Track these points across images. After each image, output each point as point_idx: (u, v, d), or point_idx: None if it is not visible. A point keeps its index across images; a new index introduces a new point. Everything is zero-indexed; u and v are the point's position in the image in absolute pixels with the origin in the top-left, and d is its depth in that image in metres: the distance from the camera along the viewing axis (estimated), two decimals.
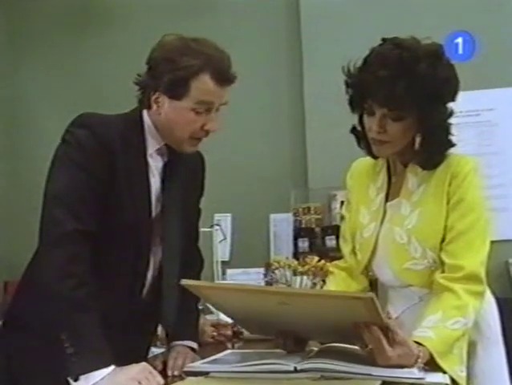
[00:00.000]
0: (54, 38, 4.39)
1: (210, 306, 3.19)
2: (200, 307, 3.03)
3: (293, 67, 3.99)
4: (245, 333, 2.37)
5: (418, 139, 1.78)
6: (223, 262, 3.71)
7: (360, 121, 1.87)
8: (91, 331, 1.53)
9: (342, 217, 2.08)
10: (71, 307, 1.54)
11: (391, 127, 1.75)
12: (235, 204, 3.96)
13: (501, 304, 1.97)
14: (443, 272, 1.75)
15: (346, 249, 2.02)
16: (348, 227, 2.00)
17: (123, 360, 1.54)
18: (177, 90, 1.68)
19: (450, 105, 1.78)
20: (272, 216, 3.90)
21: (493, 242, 1.78)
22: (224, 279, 3.54)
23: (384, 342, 1.49)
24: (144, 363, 1.56)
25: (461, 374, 1.64)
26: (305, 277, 2.57)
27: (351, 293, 1.39)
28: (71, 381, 1.50)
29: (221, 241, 3.69)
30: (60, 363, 1.50)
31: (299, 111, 3.92)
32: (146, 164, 1.75)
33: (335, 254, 2.81)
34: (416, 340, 1.59)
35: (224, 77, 1.71)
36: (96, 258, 1.62)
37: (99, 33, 4.27)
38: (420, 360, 1.54)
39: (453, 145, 1.81)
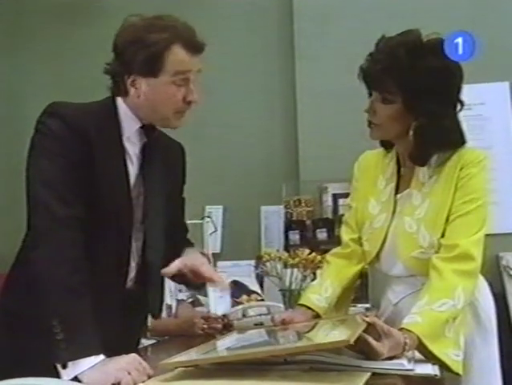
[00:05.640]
0: (51, 30, 4.36)
1: (201, 298, 3.21)
2: (190, 300, 3.05)
3: (285, 60, 3.98)
4: (235, 325, 2.38)
5: (411, 132, 1.82)
6: (214, 254, 3.70)
7: None
8: (83, 318, 1.52)
9: (349, 206, 2.10)
10: (64, 293, 1.53)
11: (380, 109, 1.83)
12: (226, 196, 3.95)
13: None
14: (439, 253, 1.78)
15: (348, 236, 2.03)
16: (355, 216, 2.01)
17: (110, 351, 1.53)
18: (153, 67, 1.69)
19: (450, 110, 1.83)
20: (263, 208, 3.89)
21: (484, 236, 1.80)
22: (215, 271, 3.53)
23: (371, 340, 1.49)
24: (133, 354, 1.55)
25: (455, 358, 1.64)
26: (295, 270, 2.58)
27: (331, 342, 1.43)
28: (59, 368, 1.49)
29: (211, 233, 3.68)
30: (50, 351, 1.50)
31: (291, 104, 3.91)
32: (122, 148, 1.75)
33: (326, 247, 2.82)
34: (404, 326, 1.61)
35: (195, 45, 1.73)
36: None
37: (96, 26, 4.23)
38: (407, 347, 1.55)
39: (453, 147, 1.85)
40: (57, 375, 1.49)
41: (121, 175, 1.73)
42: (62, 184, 1.61)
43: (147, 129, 1.78)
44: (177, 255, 1.83)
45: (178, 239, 1.94)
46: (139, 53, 1.68)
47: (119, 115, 1.76)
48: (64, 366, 1.49)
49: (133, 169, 1.77)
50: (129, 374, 1.47)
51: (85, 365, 1.48)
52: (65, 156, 1.63)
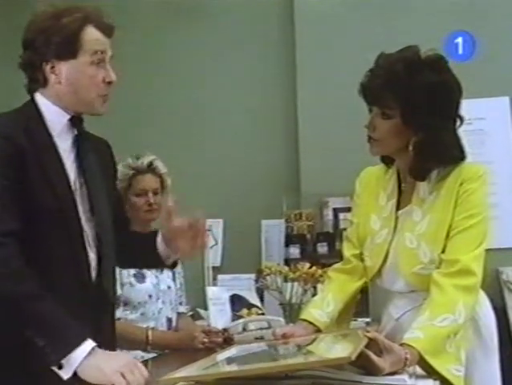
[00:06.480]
0: None
1: (201, 312, 3.20)
2: (190, 313, 3.04)
3: (286, 73, 3.99)
4: (236, 339, 2.38)
5: (410, 147, 1.82)
6: (214, 268, 3.70)
7: None
8: (54, 316, 1.52)
9: (350, 222, 2.10)
10: (25, 302, 1.52)
11: (379, 124, 1.84)
12: (227, 210, 3.95)
13: None
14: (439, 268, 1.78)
15: (350, 251, 2.03)
16: (356, 232, 2.01)
17: None
18: (70, 47, 1.70)
19: (449, 125, 1.83)
20: (264, 222, 3.89)
21: (484, 251, 1.80)
22: (215, 285, 3.53)
23: (372, 355, 1.49)
24: (130, 357, 1.56)
25: (456, 374, 1.64)
26: (296, 284, 2.58)
27: (333, 359, 1.46)
28: (56, 370, 1.49)
29: (212, 247, 3.68)
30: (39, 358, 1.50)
31: (292, 117, 3.92)
32: (54, 146, 1.74)
33: (326, 261, 2.82)
34: (405, 342, 1.60)
35: (106, 26, 1.76)
36: (36, 254, 1.62)
37: None
38: (408, 362, 1.55)
39: (453, 162, 1.84)
40: (57, 377, 1.50)
41: (58, 172, 1.72)
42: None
43: (75, 122, 1.78)
44: (127, 243, 1.90)
45: (125, 224, 1.97)
46: (53, 38, 1.69)
47: (42, 113, 1.75)
48: (60, 367, 1.49)
49: (70, 163, 1.76)
50: (123, 376, 1.46)
51: (79, 356, 1.48)
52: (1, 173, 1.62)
